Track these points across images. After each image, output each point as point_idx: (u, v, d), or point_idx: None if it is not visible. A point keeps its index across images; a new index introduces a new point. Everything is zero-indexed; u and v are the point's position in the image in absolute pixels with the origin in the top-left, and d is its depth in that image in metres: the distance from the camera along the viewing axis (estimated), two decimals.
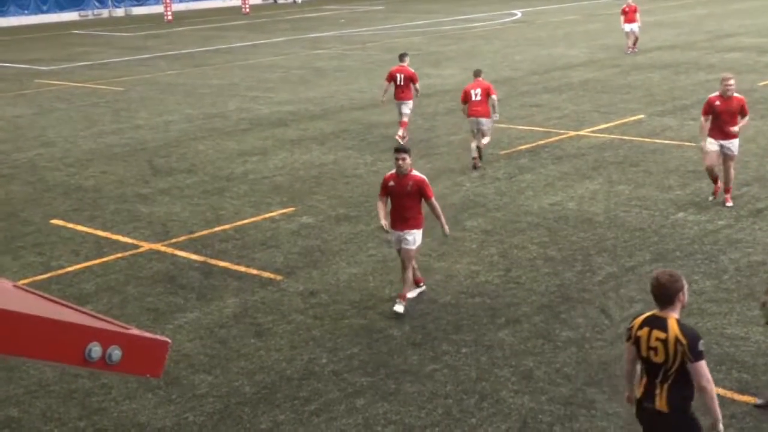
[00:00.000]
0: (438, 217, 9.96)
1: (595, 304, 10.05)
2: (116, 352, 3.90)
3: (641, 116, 19.78)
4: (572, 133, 18.36)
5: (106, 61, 33.50)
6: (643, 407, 6.20)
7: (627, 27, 29.00)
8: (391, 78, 17.68)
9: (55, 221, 13.99)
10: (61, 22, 52.53)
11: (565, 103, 21.55)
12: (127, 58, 33.92)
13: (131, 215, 14.08)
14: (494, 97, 15.79)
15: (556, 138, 17.89)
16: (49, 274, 11.70)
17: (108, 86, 27.23)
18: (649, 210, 13.25)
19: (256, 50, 35.07)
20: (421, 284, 10.51)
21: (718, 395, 7.91)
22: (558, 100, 22.08)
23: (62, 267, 11.95)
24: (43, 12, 53.43)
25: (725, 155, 13.17)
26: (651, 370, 6.06)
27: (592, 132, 18.44)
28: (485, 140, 15.86)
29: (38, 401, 8.48)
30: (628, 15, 28.89)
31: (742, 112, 13.15)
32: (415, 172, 9.94)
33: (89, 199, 15.17)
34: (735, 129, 13.03)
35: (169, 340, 4.19)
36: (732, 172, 13.29)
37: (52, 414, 8.25)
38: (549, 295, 10.36)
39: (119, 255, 12.31)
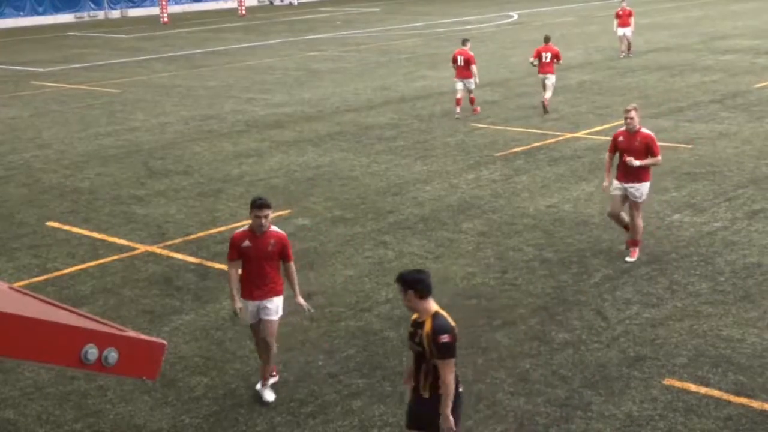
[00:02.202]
0: (293, 284, 8.28)
1: (591, 306, 10.06)
2: (112, 354, 3.92)
3: None
4: (568, 135, 18.39)
5: (101, 62, 33.45)
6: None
7: (620, 31, 28.97)
8: (454, 60, 20.50)
9: (50, 223, 13.96)
10: (57, 23, 52.42)
11: (561, 105, 21.58)
12: (123, 60, 33.88)
13: (127, 217, 14.05)
14: (561, 61, 20.80)
15: (553, 140, 17.92)
16: (44, 276, 11.68)
17: (104, 88, 27.20)
18: (645, 212, 13.11)
19: (252, 52, 35.05)
20: (275, 374, 8.61)
21: (714, 397, 7.99)
22: (554, 101, 22.05)
23: (58, 269, 11.92)
24: (38, 14, 53.32)
25: (630, 201, 11.22)
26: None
27: (589, 134, 18.47)
28: (549, 93, 20.41)
29: (34, 403, 8.46)
30: (622, 19, 28.82)
31: (650, 152, 11.01)
32: (275, 228, 8.26)
33: (85, 201, 15.15)
34: (636, 163, 10.88)
35: (165, 342, 4.24)
36: (638, 222, 11.20)
37: (48, 416, 8.23)
38: (545, 296, 10.37)
39: (115, 257, 12.29)
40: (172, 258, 12.12)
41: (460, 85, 20.50)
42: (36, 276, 11.72)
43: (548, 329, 9.52)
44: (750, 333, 9.24)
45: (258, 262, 8.11)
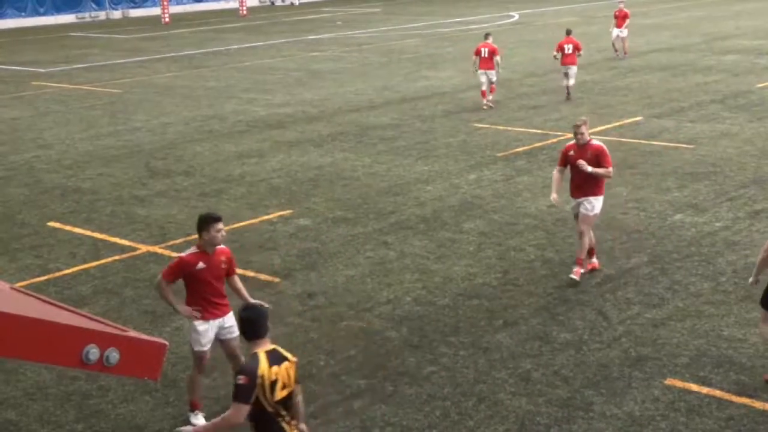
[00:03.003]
0: (245, 294, 8.04)
1: (592, 306, 10.05)
2: (114, 355, 3.91)
3: (639, 118, 19.82)
4: (570, 135, 18.30)
5: (103, 63, 33.44)
6: None
7: (614, 32, 28.95)
8: (478, 52, 21.51)
9: (52, 223, 13.95)
10: (58, 24, 52.39)
11: (562, 106, 21.57)
12: (124, 60, 33.85)
13: (128, 217, 14.04)
14: (582, 52, 22.49)
15: (554, 140, 17.88)
16: (46, 277, 11.67)
17: (105, 88, 27.17)
18: (647, 212, 13.27)
19: (253, 52, 35.02)
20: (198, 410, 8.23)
21: (716, 397, 7.98)
22: (556, 102, 22.10)
23: (59, 269, 11.92)
24: (40, 14, 53.29)
25: (579, 215, 10.68)
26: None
27: (590, 134, 18.40)
28: (572, 81, 22.13)
29: (35, 404, 8.45)
30: (618, 20, 28.87)
31: (601, 164, 10.48)
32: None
33: (86, 201, 15.13)
34: (588, 169, 10.34)
35: (167, 343, 4.23)
36: (586, 240, 10.57)
37: (50, 416, 8.22)
38: (547, 297, 10.36)
39: (116, 257, 12.29)
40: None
41: (483, 78, 21.44)
42: (37, 276, 11.71)
43: (550, 329, 9.51)
44: (752, 333, 9.22)
45: (213, 283, 7.84)
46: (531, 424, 7.72)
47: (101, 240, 13.08)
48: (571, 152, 10.65)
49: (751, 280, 8.56)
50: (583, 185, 10.62)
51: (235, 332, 7.82)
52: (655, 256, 11.52)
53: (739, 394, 8.05)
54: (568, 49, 22.11)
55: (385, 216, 13.60)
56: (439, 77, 26.68)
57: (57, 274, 11.76)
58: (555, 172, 10.99)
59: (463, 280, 10.95)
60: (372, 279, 11.13)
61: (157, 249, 12.56)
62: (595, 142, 10.73)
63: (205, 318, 7.85)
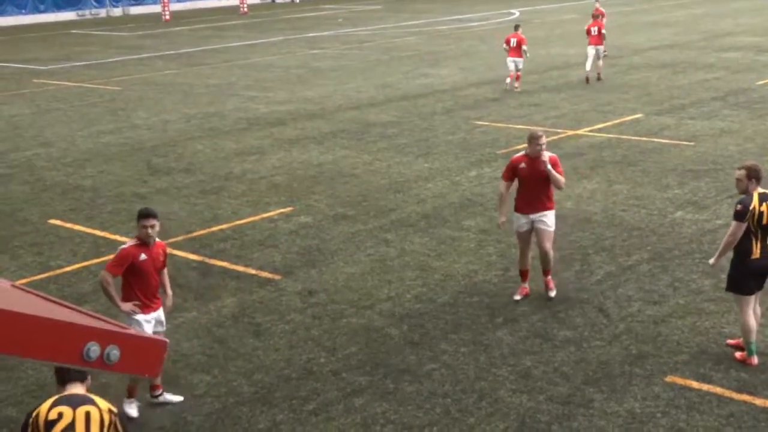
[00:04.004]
0: (167, 290, 8.32)
1: (593, 304, 10.05)
2: (114, 352, 3.86)
3: (639, 115, 19.80)
4: (570, 133, 18.37)
5: (103, 60, 33.42)
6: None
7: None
8: (508, 42, 23.48)
9: (52, 221, 13.95)
10: (59, 21, 52.39)
11: (563, 103, 21.55)
12: (124, 58, 33.83)
13: (129, 215, 13.93)
14: (605, 31, 24.46)
15: (555, 137, 17.83)
16: (47, 274, 11.67)
17: (106, 86, 27.15)
18: (647, 209, 13.26)
19: (253, 50, 35.00)
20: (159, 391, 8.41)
21: (716, 394, 7.97)
22: (556, 99, 22.08)
23: (60, 267, 11.92)
24: (40, 12, 53.28)
25: (538, 232, 10.01)
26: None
27: (591, 131, 18.45)
28: (601, 62, 24.18)
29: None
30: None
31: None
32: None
33: (87, 198, 15.13)
34: (549, 167, 9.73)
35: (167, 340, 4.19)
36: (550, 253, 10.04)
37: None
38: (547, 294, 10.33)
39: None
40: (174, 256, 12.03)
41: (512, 65, 23.33)
42: (38, 274, 11.70)
43: (550, 326, 9.50)
44: None
45: (154, 275, 8.04)
46: (531, 421, 7.71)
47: (102, 237, 13.08)
48: (522, 165, 9.88)
49: (712, 261, 8.75)
50: (536, 201, 9.91)
51: (164, 327, 8.21)
52: (656, 253, 11.51)
53: (740, 391, 8.04)
54: (595, 31, 24.18)
55: (386, 213, 13.59)
56: (440, 75, 26.66)
57: (58, 271, 11.76)
58: (502, 188, 10.05)
59: (463, 278, 10.94)
60: (372, 276, 11.12)
61: None
62: (547, 152, 9.98)
63: (145, 312, 7.98)
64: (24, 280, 11.23)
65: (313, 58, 31.64)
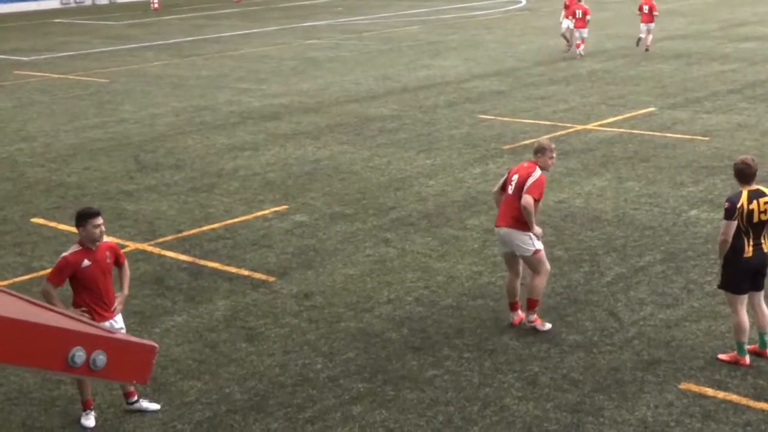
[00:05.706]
0: (127, 284, 8.09)
1: (603, 307, 9.92)
2: (101, 357, 3.88)
3: (652, 109, 19.64)
4: (579, 127, 18.26)
5: (89, 51, 33.32)
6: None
7: (565, 23, 27.14)
8: (573, 13, 26.59)
9: (36, 219, 13.78)
10: (42, 10, 52.08)
11: (572, 96, 21.40)
12: (111, 48, 33.73)
13: (116, 213, 13.85)
14: (656, 13, 27.28)
15: (563, 132, 17.72)
16: (30, 275, 11.51)
17: (91, 78, 26.98)
18: (660, 207, 13.14)
19: (247, 40, 34.94)
20: (134, 397, 8.21)
21: (733, 402, 7.74)
22: (565, 92, 21.93)
23: (44, 268, 11.66)
24: (22, 0, 52.87)
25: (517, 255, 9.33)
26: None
27: (601, 126, 18.32)
28: (650, 36, 27.17)
29: (18, 409, 8.32)
30: (570, 8, 27.09)
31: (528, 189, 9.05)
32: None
33: (72, 196, 14.95)
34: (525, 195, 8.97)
35: (156, 345, 4.17)
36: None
37: (33, 422, 8.09)
38: (555, 297, 10.21)
39: None
40: (164, 256, 11.95)
41: (577, 34, 26.53)
42: (20, 275, 11.55)
43: (558, 331, 9.37)
44: None
45: (102, 279, 7.75)
46: (538, 430, 7.60)
47: None
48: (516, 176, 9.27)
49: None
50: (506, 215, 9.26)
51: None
52: (669, 253, 11.37)
53: (757, 398, 7.93)
54: (645, 9, 26.92)
55: (386, 212, 13.44)
56: (443, 66, 26.52)
57: (41, 272, 11.51)
58: (497, 195, 9.49)
59: (467, 279, 10.80)
60: (372, 278, 10.99)
61: (146, 246, 12.37)
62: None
63: (95, 320, 7.48)
64: (5, 282, 11.08)
65: (309, 49, 31.54)
